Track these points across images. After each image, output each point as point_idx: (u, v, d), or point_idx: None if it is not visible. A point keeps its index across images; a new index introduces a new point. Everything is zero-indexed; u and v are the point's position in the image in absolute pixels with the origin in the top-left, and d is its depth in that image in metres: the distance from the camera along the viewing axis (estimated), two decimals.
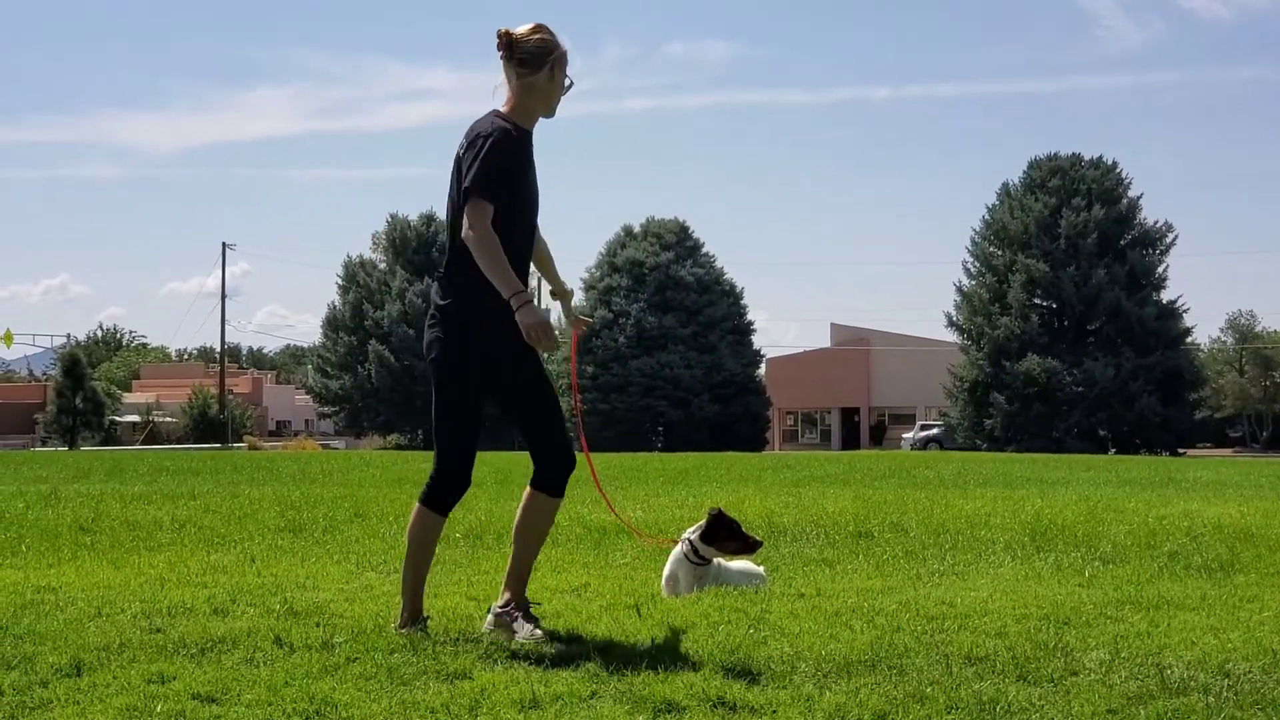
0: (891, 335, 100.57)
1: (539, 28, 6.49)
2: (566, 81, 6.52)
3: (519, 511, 6.62)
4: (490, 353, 6.37)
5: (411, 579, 6.50)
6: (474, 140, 6.29)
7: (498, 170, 6.21)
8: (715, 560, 7.97)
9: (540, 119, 6.54)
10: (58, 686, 5.27)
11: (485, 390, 6.48)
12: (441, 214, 79.20)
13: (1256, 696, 5.15)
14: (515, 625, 6.33)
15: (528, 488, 6.57)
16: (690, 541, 7.89)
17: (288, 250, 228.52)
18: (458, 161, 6.37)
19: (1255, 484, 22.32)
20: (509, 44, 6.43)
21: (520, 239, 6.38)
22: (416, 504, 6.53)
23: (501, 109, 6.47)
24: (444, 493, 6.49)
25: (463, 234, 6.18)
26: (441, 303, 6.44)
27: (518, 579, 6.55)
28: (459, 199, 6.28)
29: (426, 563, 6.58)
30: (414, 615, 6.44)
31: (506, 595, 6.51)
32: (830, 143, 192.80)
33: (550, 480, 6.53)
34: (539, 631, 6.30)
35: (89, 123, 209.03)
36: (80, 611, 6.98)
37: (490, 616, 6.48)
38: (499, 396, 6.55)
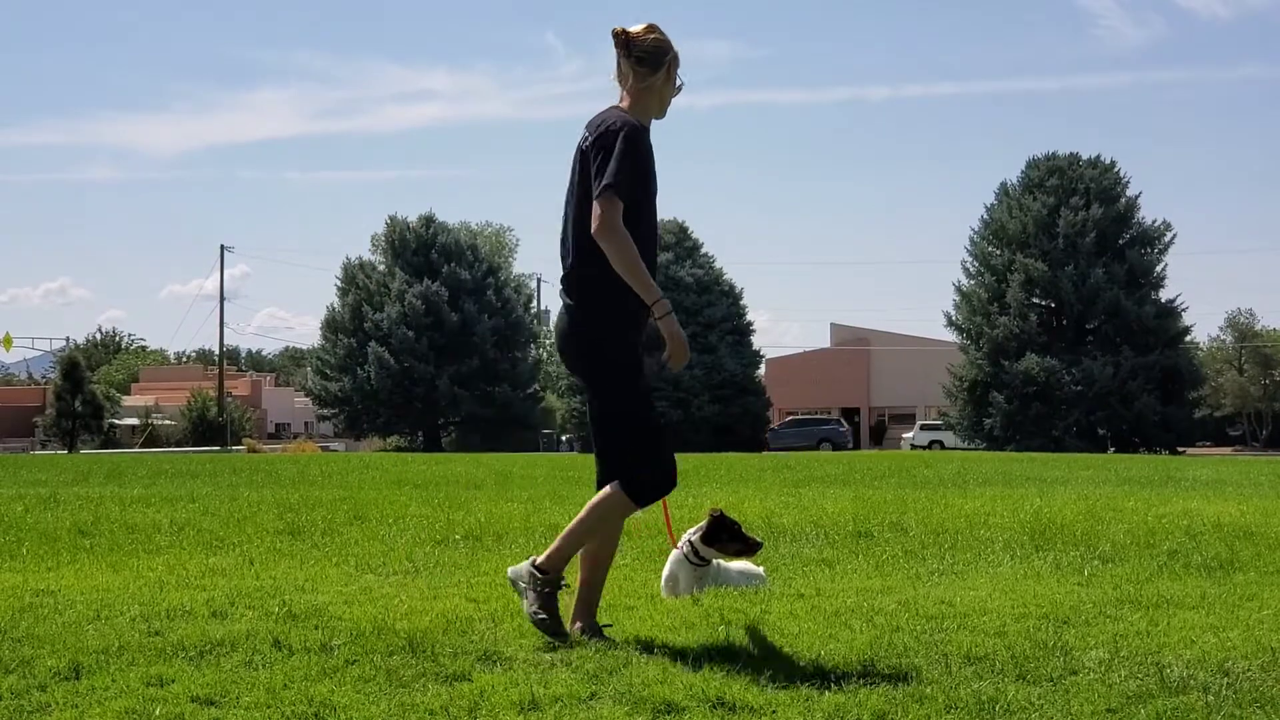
0: (891, 335, 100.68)
1: (653, 27, 6.40)
2: (678, 82, 6.46)
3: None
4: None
5: (575, 544, 6.30)
6: (604, 134, 6.13)
7: (632, 165, 6.08)
8: (714, 561, 7.97)
9: (653, 120, 6.42)
10: (56, 690, 5.26)
11: None
12: (441, 215, 78.75)
13: (1256, 695, 5.14)
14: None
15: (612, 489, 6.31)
16: (690, 543, 7.89)
17: (287, 252, 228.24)
18: (583, 155, 6.21)
19: (1255, 482, 22.33)
20: (626, 42, 6.34)
21: (646, 239, 6.19)
22: (619, 490, 6.26)
23: (621, 105, 6.37)
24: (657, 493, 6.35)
25: (593, 230, 6.01)
26: (572, 302, 6.28)
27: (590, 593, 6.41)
28: (585, 194, 6.15)
29: (595, 539, 6.38)
30: (557, 569, 6.25)
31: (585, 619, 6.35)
32: (829, 142, 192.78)
33: (635, 488, 6.29)
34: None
35: (88, 126, 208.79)
36: (79, 614, 6.98)
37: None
38: None
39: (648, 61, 6.33)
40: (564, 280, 6.35)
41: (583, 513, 6.33)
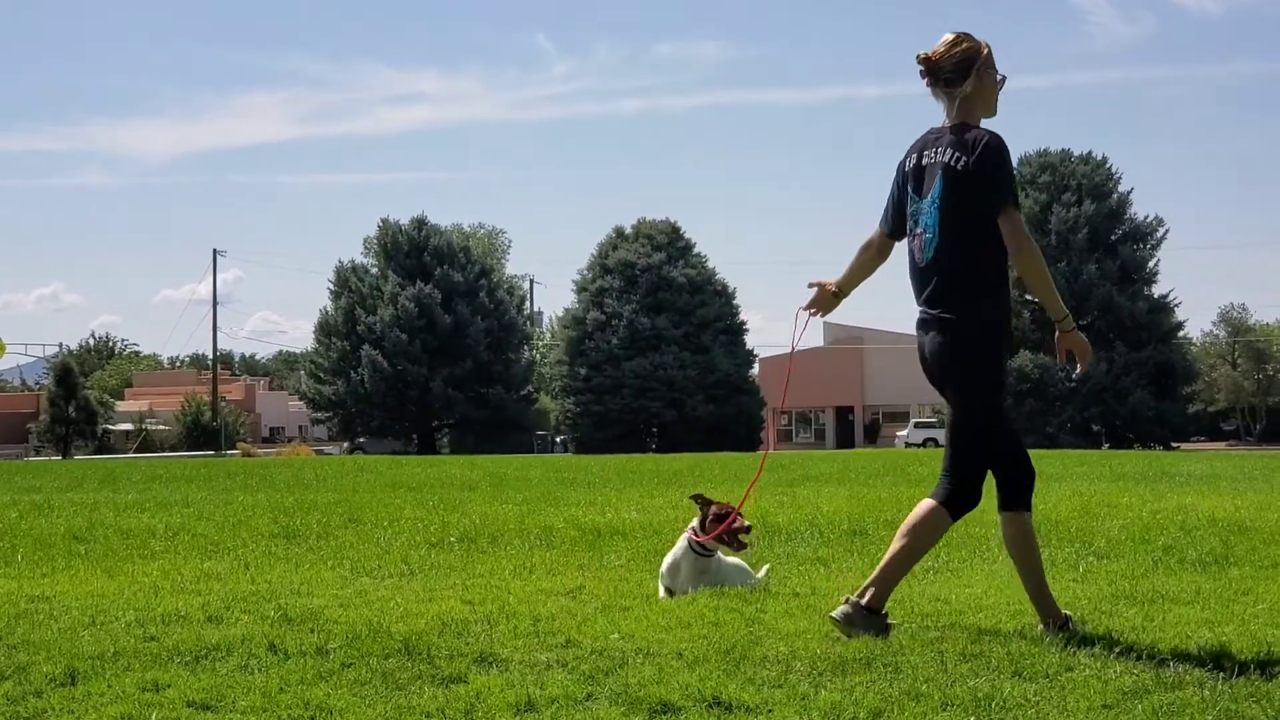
0: (885, 333, 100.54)
1: (957, 41, 6.45)
2: (999, 77, 6.52)
3: (1009, 542, 6.53)
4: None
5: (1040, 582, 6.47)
6: (985, 149, 6.27)
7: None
8: (716, 554, 7.96)
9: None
10: (52, 696, 5.26)
11: None
12: (433, 217, 79.16)
13: (1251, 689, 5.15)
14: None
15: (1003, 512, 6.50)
16: (694, 532, 7.88)
17: (280, 256, 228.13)
18: (958, 175, 6.30)
19: (1249, 477, 22.35)
20: (931, 70, 6.45)
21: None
22: (1017, 513, 6.44)
23: (954, 121, 6.46)
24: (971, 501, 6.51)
25: (1009, 244, 6.23)
26: (956, 317, 6.35)
27: (1040, 599, 6.46)
28: (963, 213, 6.29)
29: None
30: (1054, 614, 6.40)
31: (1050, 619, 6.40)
32: (821, 141, 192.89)
33: (1018, 496, 6.49)
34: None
35: (81, 131, 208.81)
36: (74, 620, 6.97)
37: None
38: None
39: (955, 79, 6.42)
40: (943, 298, 6.40)
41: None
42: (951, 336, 6.35)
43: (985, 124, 6.47)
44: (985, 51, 6.43)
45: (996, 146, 6.28)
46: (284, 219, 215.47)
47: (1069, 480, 21.66)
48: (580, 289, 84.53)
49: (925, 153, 6.48)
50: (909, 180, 6.55)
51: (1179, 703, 4.96)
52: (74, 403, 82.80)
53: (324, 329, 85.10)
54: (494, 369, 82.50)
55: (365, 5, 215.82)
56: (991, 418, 6.39)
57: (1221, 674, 5.38)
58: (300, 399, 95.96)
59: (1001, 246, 6.26)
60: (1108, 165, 79.32)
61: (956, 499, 6.43)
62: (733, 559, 8.22)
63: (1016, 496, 6.45)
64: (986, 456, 6.44)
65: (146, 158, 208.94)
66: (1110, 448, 66.63)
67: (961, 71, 6.40)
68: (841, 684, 5.29)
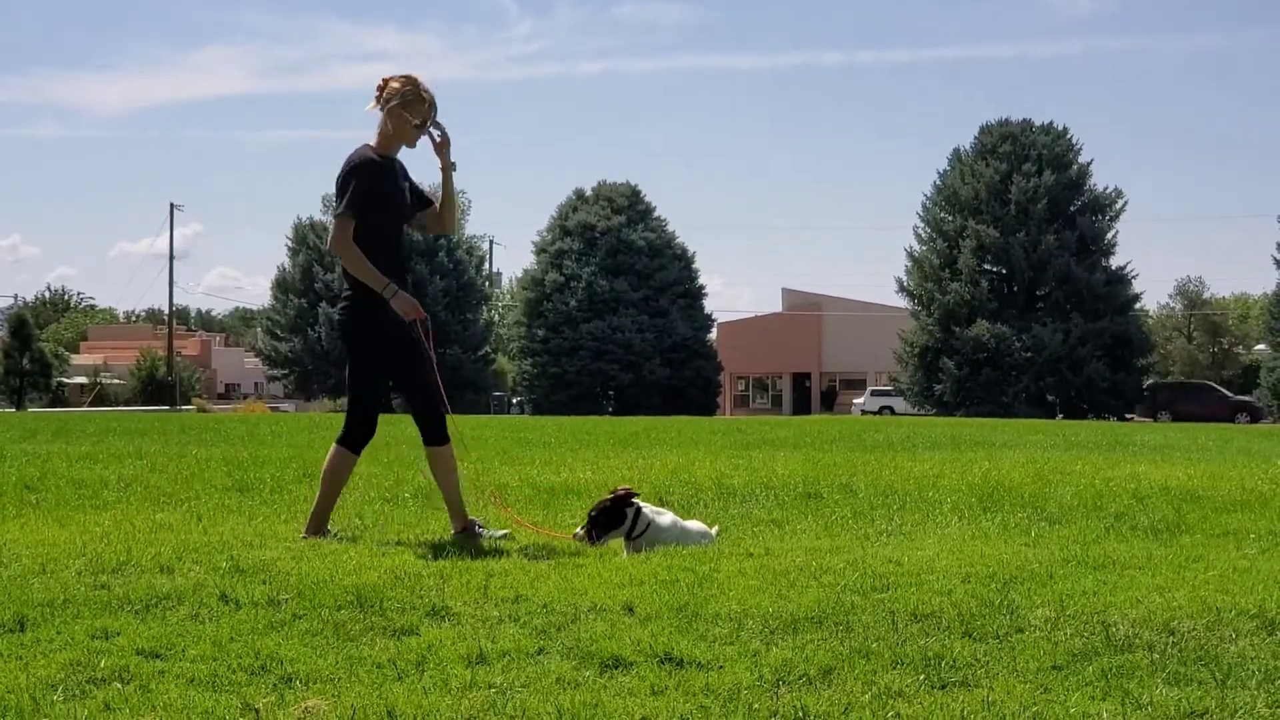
0: (843, 300, 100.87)
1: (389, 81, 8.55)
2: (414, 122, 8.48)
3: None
4: None
5: None
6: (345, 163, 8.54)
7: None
8: (667, 523, 8.00)
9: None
10: (1, 642, 5.23)
11: None
12: None
13: (1200, 653, 5.18)
14: None
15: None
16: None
17: (238, 212, 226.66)
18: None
19: (1201, 448, 22.51)
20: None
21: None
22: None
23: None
24: None
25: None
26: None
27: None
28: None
29: None
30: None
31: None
32: (783, 107, 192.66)
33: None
34: None
35: (35, 83, 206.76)
36: (25, 568, 6.94)
37: None
38: None
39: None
40: None
41: None
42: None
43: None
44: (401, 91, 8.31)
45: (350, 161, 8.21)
46: (242, 174, 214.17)
47: (1022, 448, 21.77)
48: (539, 250, 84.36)
49: None
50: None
51: (1128, 665, 4.99)
52: (29, 355, 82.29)
53: (281, 286, 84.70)
54: (451, 329, 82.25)
55: None
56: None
57: (1171, 638, 5.42)
58: (256, 355, 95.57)
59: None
60: (1068, 136, 79.43)
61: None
62: (693, 522, 8.32)
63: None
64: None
65: (102, 110, 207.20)
66: (1065, 418, 66.95)
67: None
68: (793, 641, 5.31)
